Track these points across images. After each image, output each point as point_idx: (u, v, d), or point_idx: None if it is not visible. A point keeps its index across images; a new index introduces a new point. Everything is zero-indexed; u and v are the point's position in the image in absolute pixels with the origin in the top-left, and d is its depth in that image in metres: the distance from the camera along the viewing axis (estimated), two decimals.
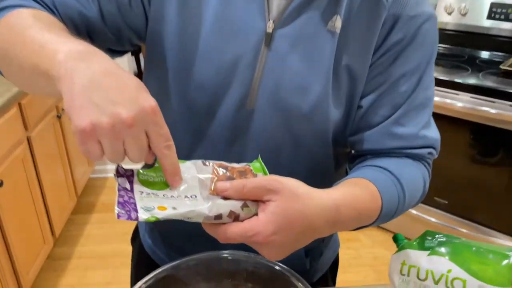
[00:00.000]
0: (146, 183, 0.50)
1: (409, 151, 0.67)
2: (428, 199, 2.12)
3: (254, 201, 0.50)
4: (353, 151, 0.75)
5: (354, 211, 0.55)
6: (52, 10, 0.60)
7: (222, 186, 0.50)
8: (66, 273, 2.05)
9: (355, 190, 0.58)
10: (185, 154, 0.65)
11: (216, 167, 0.53)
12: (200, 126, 0.67)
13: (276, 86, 0.63)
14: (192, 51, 0.63)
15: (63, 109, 2.19)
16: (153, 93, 0.70)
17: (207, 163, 0.53)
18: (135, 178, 0.50)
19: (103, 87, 0.42)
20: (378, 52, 0.64)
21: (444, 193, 2.07)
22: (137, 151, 0.44)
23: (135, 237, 0.94)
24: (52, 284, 1.98)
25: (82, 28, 0.63)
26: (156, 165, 0.50)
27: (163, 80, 0.66)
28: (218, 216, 0.49)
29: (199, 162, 0.53)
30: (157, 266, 0.78)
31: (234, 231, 0.48)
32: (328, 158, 0.72)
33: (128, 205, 0.46)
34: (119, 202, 0.46)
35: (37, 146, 1.90)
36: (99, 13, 0.62)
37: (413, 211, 2.16)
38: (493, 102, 1.81)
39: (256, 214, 0.50)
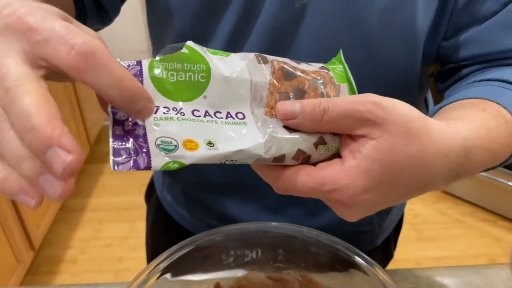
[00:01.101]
0: (163, 87, 0.29)
1: None
2: None
3: (336, 133, 0.31)
4: (444, 66, 0.53)
5: (488, 153, 0.35)
6: None
7: (288, 110, 0.31)
8: (79, 226, 1.93)
9: (488, 120, 0.37)
10: None
11: (279, 65, 0.32)
12: (234, 32, 0.48)
13: None
14: None
15: None
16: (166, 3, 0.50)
17: (264, 59, 0.32)
18: (146, 78, 0.29)
19: None
20: None
21: None
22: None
23: (151, 193, 0.78)
24: (65, 237, 1.86)
25: None
26: (185, 50, 0.30)
27: None
28: (279, 158, 0.31)
29: (251, 56, 0.32)
30: (178, 226, 0.68)
31: (304, 182, 0.31)
32: (414, 76, 0.51)
33: (131, 141, 0.27)
34: (115, 136, 0.27)
35: None
36: None
37: None
38: None
39: (337, 155, 0.32)
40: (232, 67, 0.31)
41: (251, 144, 0.29)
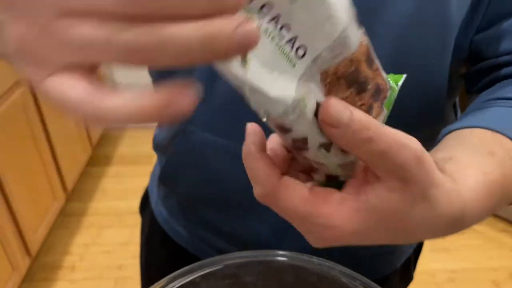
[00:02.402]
0: None
1: None
2: None
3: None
4: (476, 64, 0.47)
5: (484, 211, 0.32)
6: None
7: (335, 116, 0.24)
8: (79, 231, 1.86)
9: (493, 171, 0.33)
10: None
11: (366, 46, 0.25)
12: None
13: None
14: None
15: None
16: None
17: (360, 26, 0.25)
18: None
19: None
20: None
21: None
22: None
23: (145, 206, 0.71)
24: (64, 242, 1.80)
25: None
26: None
27: None
28: (284, 129, 0.24)
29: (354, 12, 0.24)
30: (174, 243, 0.63)
31: (296, 204, 0.27)
32: (443, 76, 0.45)
33: None
34: None
35: None
36: None
37: None
38: None
39: (340, 184, 0.28)
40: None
41: (278, 93, 0.22)
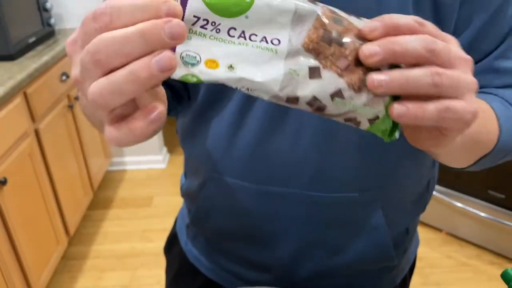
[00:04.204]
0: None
1: None
2: (480, 192, 1.88)
3: (358, 91, 0.31)
4: None
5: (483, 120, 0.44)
6: None
7: (371, 27, 0.30)
8: (81, 274, 1.91)
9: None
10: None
11: (324, 13, 0.30)
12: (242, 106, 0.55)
13: None
14: None
15: (75, 98, 2.03)
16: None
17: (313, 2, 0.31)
18: None
19: None
20: None
21: (501, 186, 1.83)
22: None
23: (172, 245, 0.79)
24: (67, 286, 1.84)
25: None
26: None
27: None
28: (292, 100, 0.31)
29: None
30: (203, 277, 0.70)
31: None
32: None
33: None
34: None
35: (47, 139, 1.75)
36: None
37: (460, 204, 1.93)
38: None
39: (354, 120, 0.32)
40: None
41: (268, 77, 0.30)
